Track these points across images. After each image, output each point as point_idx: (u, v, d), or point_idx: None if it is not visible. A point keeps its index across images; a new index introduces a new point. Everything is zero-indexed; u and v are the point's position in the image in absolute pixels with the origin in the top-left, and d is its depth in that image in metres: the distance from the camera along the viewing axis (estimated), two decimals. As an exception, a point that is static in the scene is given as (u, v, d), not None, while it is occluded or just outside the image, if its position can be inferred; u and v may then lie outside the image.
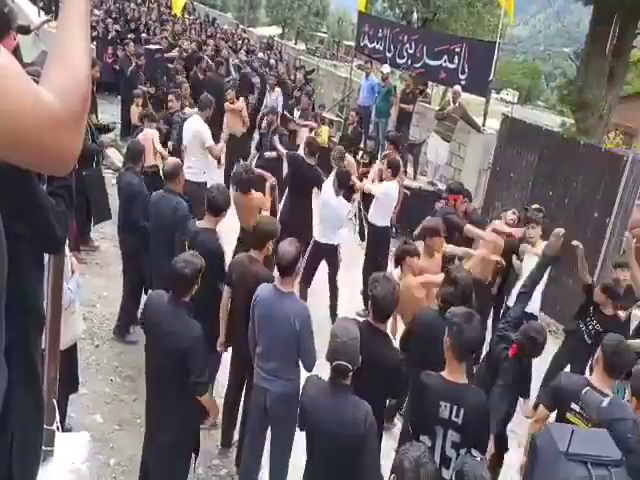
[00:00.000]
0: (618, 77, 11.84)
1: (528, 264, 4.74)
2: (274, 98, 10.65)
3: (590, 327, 4.75)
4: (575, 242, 4.78)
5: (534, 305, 4.99)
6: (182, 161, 5.76)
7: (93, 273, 5.86)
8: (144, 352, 3.27)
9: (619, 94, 12.76)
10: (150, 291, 4.08)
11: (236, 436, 4.02)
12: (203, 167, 6.38)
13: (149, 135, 6.47)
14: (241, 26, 26.06)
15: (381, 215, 6.16)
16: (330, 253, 5.77)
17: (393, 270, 4.62)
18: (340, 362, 2.67)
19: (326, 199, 5.66)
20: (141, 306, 4.86)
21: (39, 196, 1.36)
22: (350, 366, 2.68)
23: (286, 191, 6.36)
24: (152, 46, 10.54)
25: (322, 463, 2.80)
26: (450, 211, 5.71)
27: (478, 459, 2.82)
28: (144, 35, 12.84)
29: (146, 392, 3.30)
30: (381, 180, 6.25)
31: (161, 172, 5.47)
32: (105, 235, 6.53)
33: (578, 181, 6.78)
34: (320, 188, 5.87)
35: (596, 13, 11.60)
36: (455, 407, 2.79)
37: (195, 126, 6.36)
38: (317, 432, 2.76)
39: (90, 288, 5.37)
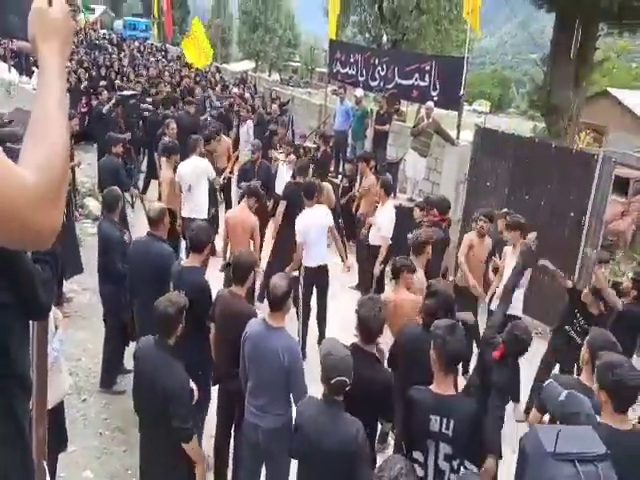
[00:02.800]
0: (584, 79, 12.13)
1: (510, 264, 4.83)
2: (244, 130, 10.78)
3: (578, 327, 4.80)
4: (541, 262, 4.87)
5: (517, 307, 5.10)
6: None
7: (76, 326, 5.74)
8: (132, 401, 3.23)
9: (586, 95, 13.07)
10: (142, 337, 4.05)
11: (229, 474, 3.95)
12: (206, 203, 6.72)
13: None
14: (214, 63, 26.50)
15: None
16: (322, 277, 5.79)
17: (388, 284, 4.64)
18: (339, 378, 2.69)
19: (305, 220, 5.70)
20: (126, 354, 4.89)
21: (24, 263, 1.33)
22: (348, 381, 2.71)
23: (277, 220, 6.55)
24: (126, 92, 10.68)
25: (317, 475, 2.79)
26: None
27: (474, 471, 2.84)
28: (117, 82, 13.03)
29: (139, 441, 3.26)
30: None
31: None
32: (87, 286, 6.39)
33: (552, 183, 6.91)
34: None
35: (558, 19, 11.92)
36: (445, 419, 2.80)
37: (200, 165, 6.72)
38: (312, 449, 2.76)
39: (74, 342, 5.30)
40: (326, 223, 5.81)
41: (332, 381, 2.69)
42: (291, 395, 3.32)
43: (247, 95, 15.14)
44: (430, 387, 2.94)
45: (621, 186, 9.80)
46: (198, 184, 6.58)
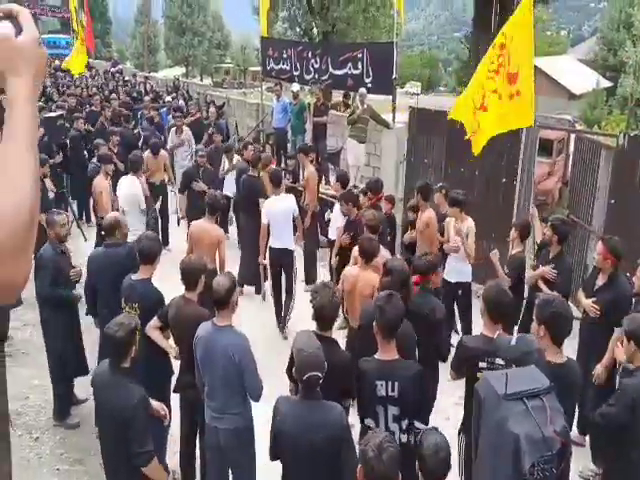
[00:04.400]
0: (505, 52, 12.66)
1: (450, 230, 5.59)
2: (185, 138, 10.19)
3: None
4: (492, 253, 5.15)
5: (467, 273, 5.55)
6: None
7: (20, 363, 5.42)
8: (89, 431, 3.17)
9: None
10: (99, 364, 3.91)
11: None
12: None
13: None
14: (141, 73, 25.96)
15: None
16: (285, 258, 6.04)
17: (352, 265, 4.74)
18: (312, 374, 2.74)
19: (270, 206, 5.98)
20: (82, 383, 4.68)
21: None
22: (320, 375, 2.76)
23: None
24: (52, 113, 10.27)
25: (306, 473, 2.81)
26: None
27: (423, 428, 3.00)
28: (40, 104, 12.50)
29: (103, 468, 3.20)
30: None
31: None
32: (27, 322, 5.97)
33: (484, 152, 7.25)
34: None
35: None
36: (390, 382, 2.98)
37: (133, 192, 6.64)
38: (298, 446, 2.76)
39: (20, 380, 5.01)
40: (291, 210, 6.08)
41: (304, 377, 2.74)
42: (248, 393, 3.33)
43: (181, 102, 14.97)
44: (375, 355, 3.12)
45: (546, 148, 10.34)
46: (131, 211, 6.58)
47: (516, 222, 5.67)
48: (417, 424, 3.04)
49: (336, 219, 6.48)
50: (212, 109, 12.34)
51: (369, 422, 3.07)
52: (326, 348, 3.16)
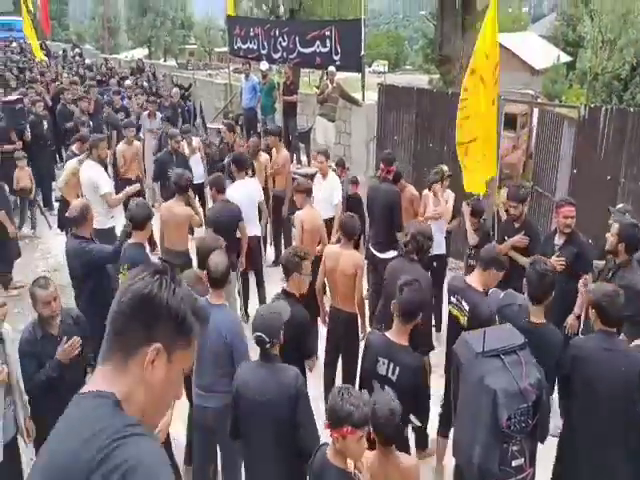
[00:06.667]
0: (470, 27, 12.78)
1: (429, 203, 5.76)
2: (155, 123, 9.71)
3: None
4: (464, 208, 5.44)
5: (441, 245, 5.71)
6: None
7: None
8: None
9: (473, 42, 13.79)
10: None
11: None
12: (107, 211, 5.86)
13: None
14: (103, 55, 25.25)
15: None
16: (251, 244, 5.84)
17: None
18: (256, 334, 2.79)
19: (234, 192, 5.74)
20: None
21: None
22: (266, 337, 2.77)
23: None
24: (10, 97, 9.85)
25: (260, 435, 2.80)
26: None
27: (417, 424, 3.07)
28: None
29: None
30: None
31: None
32: None
33: (452, 128, 7.39)
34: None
35: (442, -27, 12.38)
36: (392, 364, 3.01)
37: (89, 173, 5.95)
38: (255, 406, 2.77)
39: None
40: (257, 195, 5.97)
41: (253, 336, 2.82)
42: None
43: (145, 84, 14.61)
44: (386, 332, 3.16)
45: (510, 122, 10.57)
46: (89, 195, 5.86)
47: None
48: (412, 418, 3.05)
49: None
50: (175, 89, 12.00)
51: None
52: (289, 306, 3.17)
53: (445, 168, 5.92)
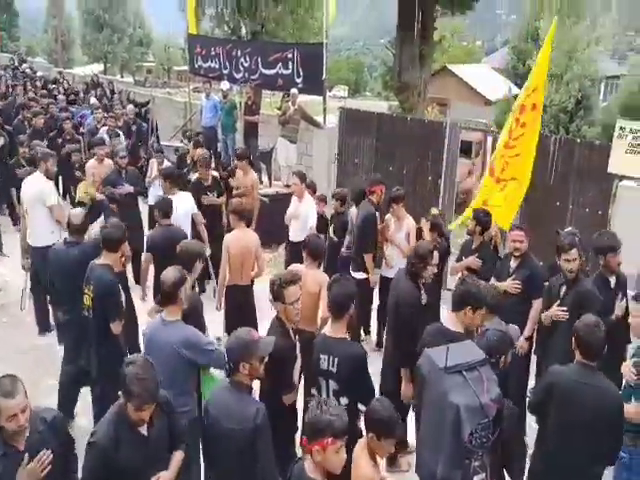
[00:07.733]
0: (427, 57, 13.25)
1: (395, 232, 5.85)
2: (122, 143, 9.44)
3: None
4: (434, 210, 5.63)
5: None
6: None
7: None
8: None
9: (430, 71, 14.32)
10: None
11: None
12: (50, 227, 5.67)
13: None
14: (57, 69, 24.64)
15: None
16: None
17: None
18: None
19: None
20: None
21: None
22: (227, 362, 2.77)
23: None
24: None
25: (223, 458, 2.79)
26: None
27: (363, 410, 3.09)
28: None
29: None
30: None
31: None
32: None
33: (411, 152, 7.64)
34: None
35: (400, 3, 12.79)
36: (331, 357, 3.19)
37: (37, 187, 5.74)
38: (219, 428, 2.74)
39: None
40: (190, 210, 6.01)
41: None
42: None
43: (104, 101, 14.34)
44: (324, 331, 3.37)
45: (466, 150, 11.02)
46: (33, 209, 5.70)
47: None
48: (360, 406, 3.16)
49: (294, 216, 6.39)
50: (130, 106, 11.79)
51: (314, 391, 3.29)
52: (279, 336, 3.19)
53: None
